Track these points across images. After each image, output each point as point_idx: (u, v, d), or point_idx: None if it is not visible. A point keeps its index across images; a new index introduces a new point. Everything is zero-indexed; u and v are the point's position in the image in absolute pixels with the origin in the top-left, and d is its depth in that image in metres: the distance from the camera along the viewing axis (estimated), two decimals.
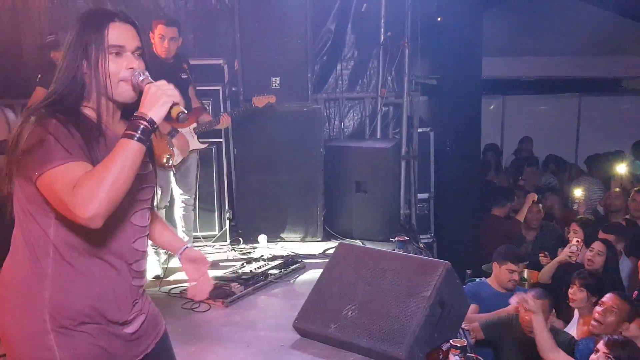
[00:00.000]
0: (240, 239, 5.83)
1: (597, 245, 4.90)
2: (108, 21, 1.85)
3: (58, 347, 1.77)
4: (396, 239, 5.02)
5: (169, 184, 4.97)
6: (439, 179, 6.78)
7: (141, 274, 2.04)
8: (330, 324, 3.56)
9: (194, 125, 4.92)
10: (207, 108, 5.49)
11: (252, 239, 5.81)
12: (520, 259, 4.85)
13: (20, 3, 6.35)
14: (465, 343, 3.13)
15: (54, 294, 1.77)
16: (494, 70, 7.83)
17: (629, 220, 5.97)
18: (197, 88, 5.13)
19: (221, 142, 5.76)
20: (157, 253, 5.03)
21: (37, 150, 1.68)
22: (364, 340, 3.39)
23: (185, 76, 4.89)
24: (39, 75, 5.59)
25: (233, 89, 6.03)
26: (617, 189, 6.64)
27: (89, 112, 1.87)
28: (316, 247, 5.72)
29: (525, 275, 5.38)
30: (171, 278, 4.92)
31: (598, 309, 3.91)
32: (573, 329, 4.33)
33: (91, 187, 1.62)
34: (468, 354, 3.19)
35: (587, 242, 5.07)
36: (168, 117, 1.85)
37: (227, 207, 5.84)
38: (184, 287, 4.63)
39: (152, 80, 1.87)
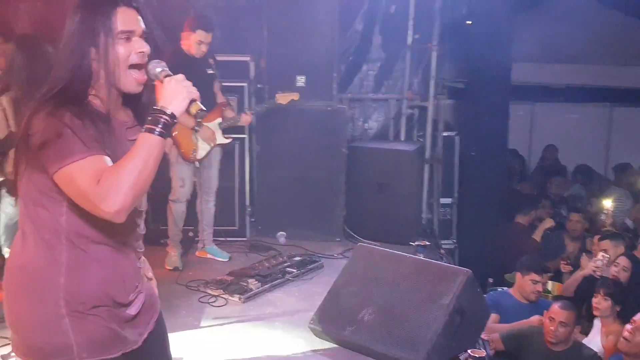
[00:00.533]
0: (260, 235, 5.80)
1: (622, 261, 4.75)
2: (114, 6, 1.80)
3: (73, 330, 1.78)
4: (416, 243, 4.95)
5: (192, 177, 4.98)
6: (463, 184, 6.69)
7: (141, 254, 2.06)
8: (346, 327, 3.53)
9: (219, 120, 4.92)
10: (232, 104, 5.48)
11: (271, 236, 5.79)
12: (545, 270, 4.76)
13: None
14: (484, 354, 3.08)
15: (69, 279, 1.79)
16: (524, 76, 7.71)
17: None
18: (223, 84, 5.13)
19: (244, 138, 5.74)
20: (176, 246, 5.04)
21: (55, 144, 1.66)
22: (380, 345, 3.34)
23: (211, 72, 4.91)
24: None
25: (258, 85, 6.01)
26: None
27: (95, 100, 1.83)
28: (335, 247, 5.68)
29: (550, 287, 5.27)
30: (189, 271, 4.92)
31: (628, 327, 3.79)
32: (597, 339, 4.23)
33: (116, 183, 1.63)
34: None
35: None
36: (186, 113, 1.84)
37: (247, 203, 5.82)
38: (202, 281, 4.63)
39: (170, 72, 1.86)
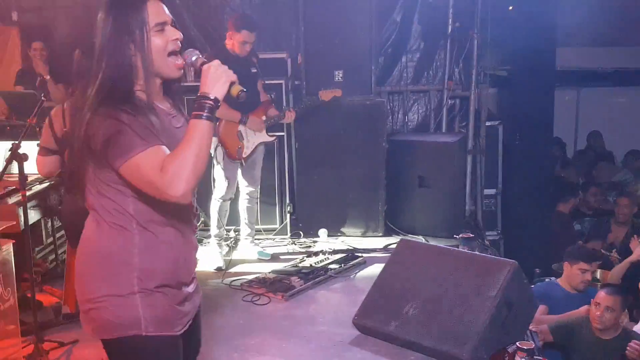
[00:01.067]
0: (301, 232, 5.79)
1: None
2: (144, 2, 1.90)
3: (142, 306, 1.92)
4: (460, 235, 4.85)
5: (236, 176, 5.01)
6: (507, 175, 6.54)
7: (196, 231, 2.22)
8: (391, 322, 3.48)
9: (264, 117, 4.93)
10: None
11: (312, 233, 5.77)
12: (594, 258, 4.62)
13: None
14: (533, 346, 3.00)
15: (142, 260, 1.93)
16: (569, 61, 7.50)
17: None
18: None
19: (283, 135, 5.74)
20: (219, 245, 5.07)
21: (116, 141, 1.79)
22: (426, 339, 3.29)
23: (255, 70, 4.93)
24: None
25: (296, 82, 6.00)
26: None
27: (141, 95, 1.93)
28: (377, 242, 5.63)
29: (598, 276, 5.11)
30: (232, 270, 4.95)
31: None
32: None
33: (179, 168, 1.77)
34: (535, 357, 3.05)
35: None
36: (229, 97, 1.91)
37: (288, 201, 5.82)
38: (245, 280, 4.65)
39: (205, 59, 1.95)
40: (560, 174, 7.57)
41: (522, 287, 3.32)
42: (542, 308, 4.17)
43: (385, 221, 5.86)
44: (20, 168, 3.45)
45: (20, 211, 3.65)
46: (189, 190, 1.80)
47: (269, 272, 4.76)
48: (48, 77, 5.65)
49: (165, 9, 1.95)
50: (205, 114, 1.83)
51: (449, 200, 5.77)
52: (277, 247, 5.51)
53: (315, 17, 5.71)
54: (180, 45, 1.96)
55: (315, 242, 5.64)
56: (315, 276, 4.65)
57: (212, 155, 4.79)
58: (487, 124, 6.44)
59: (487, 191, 6.52)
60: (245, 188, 5.12)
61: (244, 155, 4.89)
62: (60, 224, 4.63)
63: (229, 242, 5.44)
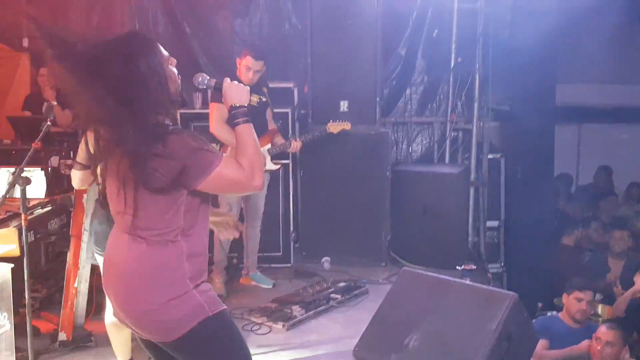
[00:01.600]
0: (304, 261, 5.81)
1: None
2: (156, 43, 2.20)
3: (200, 296, 2.20)
4: (463, 267, 4.89)
5: (240, 203, 5.03)
6: (509, 207, 6.59)
7: None
8: (391, 354, 3.48)
9: (269, 146, 4.98)
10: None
11: (315, 262, 5.79)
12: (586, 286, 4.63)
13: (105, 26, 6.63)
14: None
15: (190, 263, 2.20)
16: (570, 97, 7.58)
17: None
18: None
19: (288, 163, 5.79)
20: (221, 273, 5.08)
21: (194, 161, 2.07)
22: None
23: (265, 99, 4.97)
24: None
25: (302, 111, 6.08)
26: None
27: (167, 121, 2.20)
28: (381, 272, 5.65)
29: (599, 311, 5.12)
30: (233, 298, 4.96)
31: None
32: None
33: (252, 163, 2.17)
34: None
35: None
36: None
37: (291, 229, 5.85)
38: (246, 308, 4.66)
39: (214, 79, 2.38)
40: (565, 209, 7.60)
41: (522, 320, 3.34)
42: (542, 343, 4.18)
43: (388, 251, 5.89)
44: (23, 192, 3.48)
45: (21, 235, 3.62)
46: (263, 179, 2.20)
47: (270, 301, 4.77)
48: (55, 102, 5.69)
49: None
50: (243, 119, 2.24)
51: (452, 231, 5.80)
52: (279, 276, 5.52)
53: (323, 49, 5.83)
54: None
55: (318, 270, 5.65)
56: (317, 306, 4.65)
57: None
58: (490, 156, 6.52)
59: (489, 223, 6.56)
60: (248, 215, 5.14)
61: None
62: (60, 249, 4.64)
63: (231, 269, 5.45)
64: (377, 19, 5.78)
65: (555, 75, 6.29)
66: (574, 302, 4.47)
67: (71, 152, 5.11)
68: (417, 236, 5.83)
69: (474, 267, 4.98)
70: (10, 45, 6.47)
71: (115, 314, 2.34)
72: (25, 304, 3.58)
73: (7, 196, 3.74)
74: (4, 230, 3.69)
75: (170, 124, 2.17)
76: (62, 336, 3.97)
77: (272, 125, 5.10)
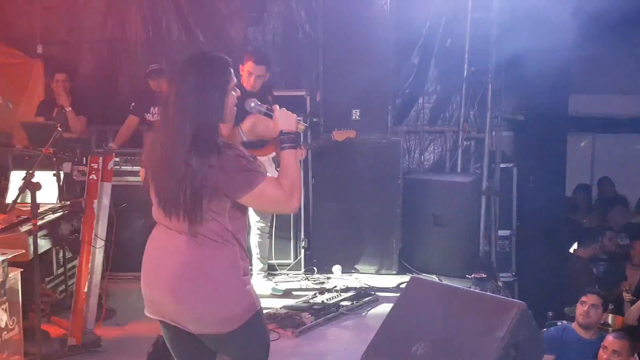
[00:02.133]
0: (315, 268, 5.82)
1: None
2: (230, 66, 2.43)
3: (251, 292, 2.46)
4: (473, 276, 4.89)
5: (247, 210, 5.04)
6: (521, 216, 6.57)
7: None
8: None
9: (273, 154, 5.01)
10: None
11: (326, 269, 5.80)
12: (592, 291, 4.65)
13: (119, 34, 6.72)
14: None
15: (243, 262, 2.45)
16: (584, 107, 7.56)
17: None
18: None
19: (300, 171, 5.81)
20: None
21: (240, 175, 2.29)
22: None
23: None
24: (132, 104, 5.88)
25: (314, 119, 6.11)
26: None
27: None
28: (391, 280, 5.65)
29: (610, 321, 5.08)
30: None
31: None
32: None
33: (292, 186, 2.38)
34: None
35: None
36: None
37: (302, 236, 5.87)
38: None
39: (267, 105, 2.62)
40: (582, 220, 7.56)
41: (530, 329, 3.32)
42: (548, 358, 4.16)
43: (399, 259, 5.89)
44: (33, 197, 3.51)
45: (31, 240, 3.66)
46: (300, 201, 2.43)
47: (280, 308, 4.79)
48: (69, 108, 5.72)
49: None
50: (289, 145, 2.45)
51: (463, 240, 5.79)
52: (290, 283, 5.53)
53: (335, 57, 5.87)
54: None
55: (329, 278, 5.66)
56: (326, 313, 4.66)
57: None
58: (502, 165, 6.50)
59: (501, 232, 6.54)
60: (256, 223, 5.15)
61: None
62: (71, 254, 4.68)
63: None
64: (390, 28, 5.82)
65: (568, 85, 6.28)
66: (578, 306, 4.48)
67: (84, 159, 5.19)
68: (428, 244, 5.83)
69: (484, 275, 4.97)
70: (24, 52, 6.54)
71: (152, 312, 2.49)
72: (35, 309, 3.63)
73: (19, 201, 3.78)
74: (14, 235, 3.72)
75: (222, 140, 2.35)
76: (71, 341, 3.99)
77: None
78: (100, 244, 4.05)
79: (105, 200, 4.11)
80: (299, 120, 2.54)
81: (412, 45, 6.64)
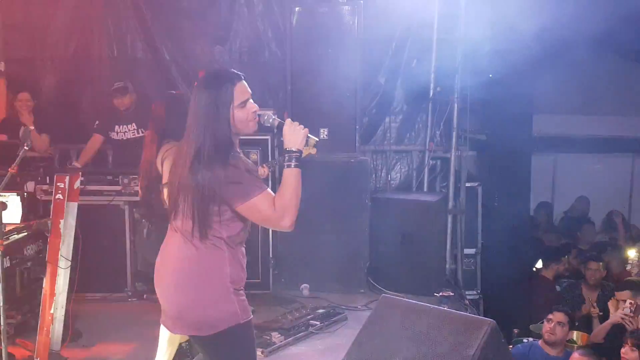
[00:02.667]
0: (283, 287, 5.79)
1: None
2: (233, 83, 2.50)
3: (236, 301, 2.50)
4: (441, 294, 4.92)
5: (247, 222, 4.98)
6: (486, 235, 6.65)
7: None
8: None
9: None
10: (256, 157, 5.56)
11: (294, 288, 5.78)
12: (558, 309, 4.74)
13: (82, 51, 6.63)
14: None
15: (231, 269, 2.50)
16: (546, 127, 7.73)
17: None
18: (248, 137, 5.20)
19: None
20: None
21: (239, 185, 2.39)
22: None
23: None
24: (97, 122, 5.80)
25: (282, 138, 6.08)
26: None
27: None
28: (359, 299, 5.64)
29: (575, 337, 5.17)
30: None
31: None
32: None
33: (286, 206, 2.41)
34: None
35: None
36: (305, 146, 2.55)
37: (270, 255, 5.83)
38: None
39: (277, 118, 2.65)
40: (542, 238, 7.68)
41: (500, 346, 3.35)
42: None
43: (367, 278, 5.89)
44: None
45: None
46: (294, 220, 2.44)
47: None
48: (32, 127, 5.62)
49: (247, 86, 2.57)
50: (293, 164, 2.48)
51: (430, 258, 5.83)
52: (258, 302, 5.47)
53: (303, 77, 5.89)
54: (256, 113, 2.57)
55: (297, 297, 5.64)
56: (296, 332, 4.64)
57: None
58: (467, 184, 6.57)
59: (467, 251, 6.60)
60: None
61: None
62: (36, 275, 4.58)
63: None
64: (357, 47, 5.87)
65: (531, 106, 6.42)
66: (545, 324, 4.56)
67: (47, 178, 5.08)
68: (395, 263, 5.84)
69: (451, 293, 5.01)
70: None
71: (163, 322, 2.64)
72: None
73: None
74: None
75: (234, 150, 2.47)
76: None
77: None
78: (66, 264, 3.97)
79: (72, 220, 4.04)
80: (309, 136, 2.56)
81: (379, 65, 6.72)
